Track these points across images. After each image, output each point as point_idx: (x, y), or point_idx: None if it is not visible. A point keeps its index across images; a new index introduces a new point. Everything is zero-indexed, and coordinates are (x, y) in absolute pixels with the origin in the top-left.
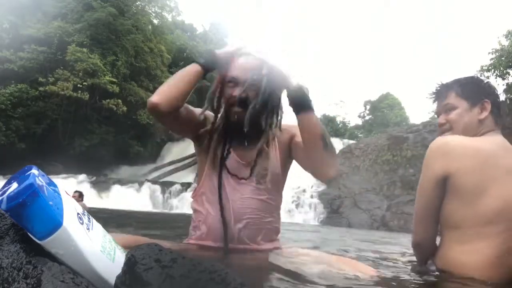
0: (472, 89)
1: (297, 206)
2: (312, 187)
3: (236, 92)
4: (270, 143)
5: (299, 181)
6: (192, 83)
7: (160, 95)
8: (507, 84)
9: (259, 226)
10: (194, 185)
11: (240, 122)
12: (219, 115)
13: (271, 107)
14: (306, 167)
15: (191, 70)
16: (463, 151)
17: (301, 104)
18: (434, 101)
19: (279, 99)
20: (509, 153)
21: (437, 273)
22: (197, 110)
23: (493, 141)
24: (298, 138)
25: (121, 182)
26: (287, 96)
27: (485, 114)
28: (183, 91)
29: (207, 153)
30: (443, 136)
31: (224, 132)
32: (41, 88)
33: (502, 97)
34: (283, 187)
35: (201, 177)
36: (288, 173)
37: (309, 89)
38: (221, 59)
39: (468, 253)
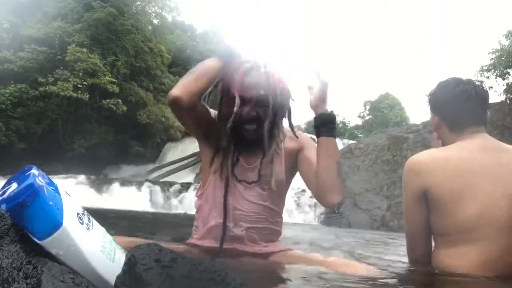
0: (430, 104)
1: (297, 206)
2: None
3: (246, 110)
4: (276, 150)
5: (299, 181)
6: (212, 79)
7: (181, 89)
8: (507, 84)
9: (259, 231)
10: (195, 185)
11: (251, 137)
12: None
13: (279, 118)
14: (311, 186)
15: (211, 67)
16: (434, 165)
17: (327, 128)
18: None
19: (288, 109)
20: (486, 153)
21: (432, 273)
22: (210, 111)
23: (467, 145)
24: (308, 152)
25: (121, 182)
26: (315, 118)
27: (435, 130)
28: (202, 88)
29: (213, 154)
30: (415, 154)
31: (231, 139)
32: (41, 88)
33: (502, 97)
34: (286, 193)
35: (206, 178)
36: None
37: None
38: (236, 60)
39: (454, 257)
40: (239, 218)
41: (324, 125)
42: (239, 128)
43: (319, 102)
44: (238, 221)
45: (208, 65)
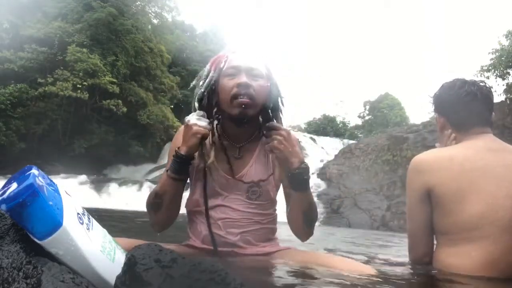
0: (435, 105)
1: None
2: (311, 187)
3: (241, 79)
4: (265, 155)
5: None
6: (178, 194)
7: (158, 227)
8: (507, 84)
9: (254, 232)
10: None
11: (244, 115)
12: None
13: (271, 111)
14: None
15: (168, 186)
16: (437, 164)
17: (299, 184)
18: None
19: (279, 108)
20: (490, 153)
21: (433, 273)
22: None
23: (472, 145)
24: None
25: (121, 182)
26: (289, 173)
27: (440, 130)
28: (175, 208)
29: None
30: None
31: (217, 144)
32: (40, 89)
33: (502, 97)
34: (275, 196)
35: (193, 186)
36: None
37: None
38: (190, 149)
39: (456, 256)
40: (229, 225)
41: (295, 181)
42: (231, 106)
43: (283, 163)
44: (229, 228)
45: (165, 187)
